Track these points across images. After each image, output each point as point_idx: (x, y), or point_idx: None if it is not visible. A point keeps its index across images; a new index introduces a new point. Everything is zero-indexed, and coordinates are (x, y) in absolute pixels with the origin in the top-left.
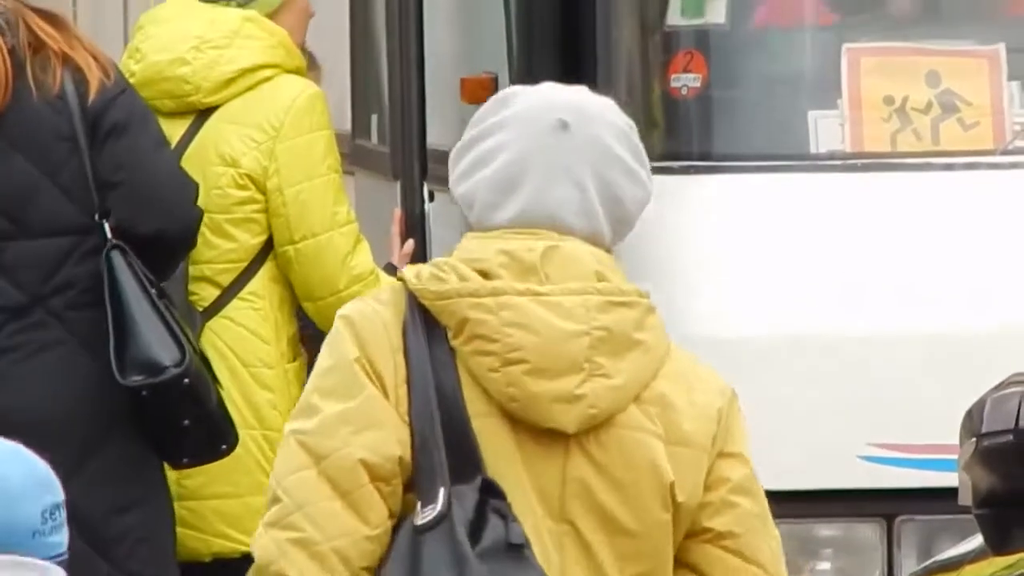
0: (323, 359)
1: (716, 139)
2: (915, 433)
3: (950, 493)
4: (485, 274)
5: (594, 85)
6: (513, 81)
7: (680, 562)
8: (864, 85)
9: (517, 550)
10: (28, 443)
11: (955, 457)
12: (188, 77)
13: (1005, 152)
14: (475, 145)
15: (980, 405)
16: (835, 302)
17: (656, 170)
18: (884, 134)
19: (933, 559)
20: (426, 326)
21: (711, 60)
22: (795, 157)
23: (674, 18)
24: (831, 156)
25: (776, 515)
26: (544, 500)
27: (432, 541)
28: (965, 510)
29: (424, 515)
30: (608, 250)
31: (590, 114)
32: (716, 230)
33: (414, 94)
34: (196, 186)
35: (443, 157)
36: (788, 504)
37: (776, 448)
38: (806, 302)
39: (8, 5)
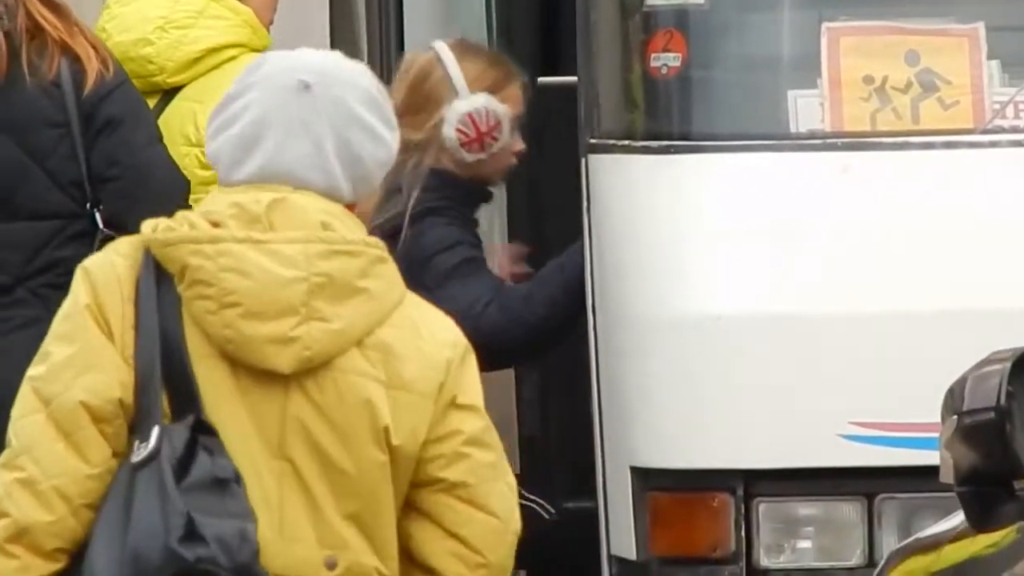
0: (61, 308)
1: (696, 118)
2: (896, 412)
3: (931, 472)
4: (217, 224)
5: (574, 64)
6: None
7: (415, 509)
8: (844, 64)
9: (223, 484)
10: (3, 416)
11: (936, 436)
12: (152, 57)
13: (985, 131)
14: (226, 106)
15: (961, 383)
16: (815, 281)
17: (637, 149)
18: (864, 113)
19: (914, 537)
20: (157, 275)
21: (691, 39)
22: (775, 136)
23: None
24: (811, 135)
25: (758, 494)
26: (264, 438)
27: (144, 477)
28: (946, 488)
29: (139, 453)
30: (350, 206)
31: (334, 76)
32: (696, 209)
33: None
34: (187, 182)
35: None
36: (769, 483)
37: (757, 427)
38: (786, 281)
39: None
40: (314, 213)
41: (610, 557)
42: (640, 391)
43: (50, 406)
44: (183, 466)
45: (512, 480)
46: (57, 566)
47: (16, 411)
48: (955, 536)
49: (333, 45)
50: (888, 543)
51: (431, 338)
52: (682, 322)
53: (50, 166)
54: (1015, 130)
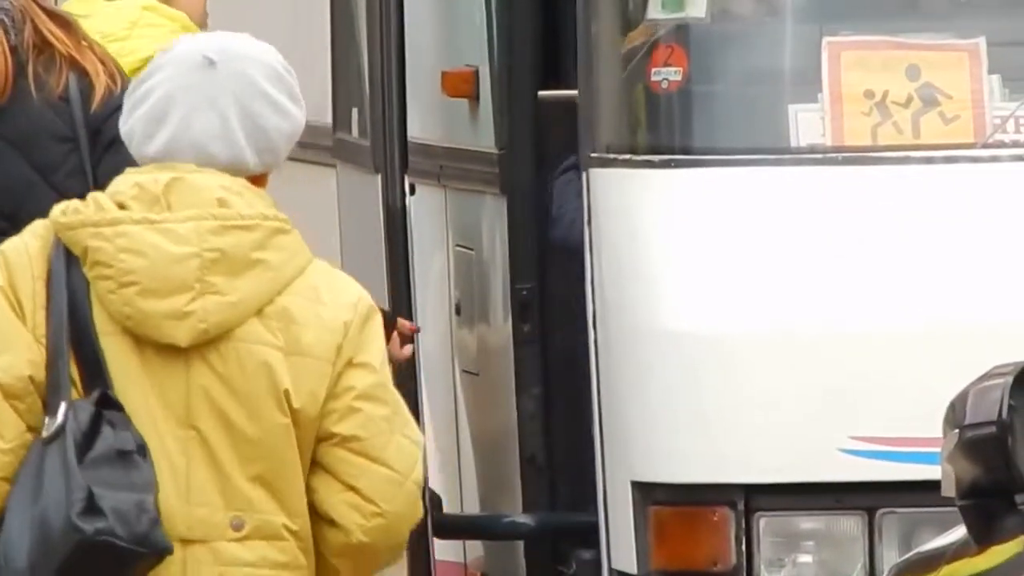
0: None
1: (697, 133)
2: (896, 426)
3: (931, 486)
4: (122, 205)
5: (574, 78)
6: (494, 74)
7: (315, 464)
8: (844, 79)
9: (126, 456)
10: None
11: (936, 450)
12: None
13: (985, 146)
14: (138, 87)
15: (963, 397)
16: (816, 296)
17: (638, 164)
18: (865, 128)
19: (915, 551)
20: (67, 256)
21: (692, 54)
22: (776, 151)
23: (654, 12)
24: (812, 150)
25: (758, 508)
26: (169, 409)
27: (52, 452)
28: (948, 502)
29: (48, 428)
30: (257, 178)
31: (238, 53)
32: (697, 224)
33: (395, 87)
34: None
35: (424, 150)
36: (770, 497)
37: (757, 442)
38: (787, 296)
39: (16, 3)
40: (210, 191)
41: (611, 571)
42: (641, 406)
43: None
44: (88, 440)
45: (414, 433)
46: None
47: None
48: (956, 550)
49: (334, 60)
50: (889, 557)
51: (332, 303)
52: (683, 337)
53: (57, 181)
54: (1016, 144)
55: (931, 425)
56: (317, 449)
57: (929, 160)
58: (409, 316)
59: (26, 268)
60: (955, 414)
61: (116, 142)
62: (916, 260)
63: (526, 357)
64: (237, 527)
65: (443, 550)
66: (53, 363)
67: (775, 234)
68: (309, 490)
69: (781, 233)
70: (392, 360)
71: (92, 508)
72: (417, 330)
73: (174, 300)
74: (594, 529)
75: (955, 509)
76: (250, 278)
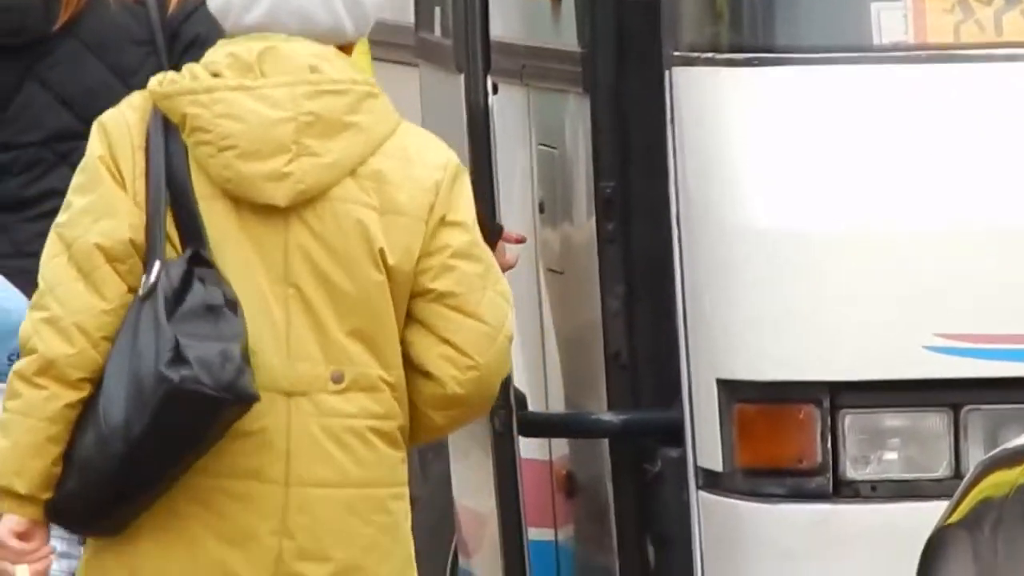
0: (82, 160)
1: (779, 31)
2: (981, 323)
3: (1017, 382)
4: (216, 74)
5: None
6: None
7: (412, 318)
8: None
9: (215, 310)
10: None
11: (1021, 347)
12: None
13: None
14: None
15: None
16: (900, 194)
17: (720, 62)
18: (947, 25)
19: (1001, 447)
20: (165, 125)
21: None
22: (858, 49)
23: None
24: (894, 47)
25: (843, 405)
26: (268, 268)
27: (144, 309)
28: None
29: (143, 287)
30: (346, 47)
31: None
32: (779, 123)
33: None
34: None
35: (506, 49)
36: (854, 395)
37: (842, 340)
38: (871, 194)
39: None
40: (302, 58)
41: (696, 469)
42: (725, 304)
43: (71, 249)
44: (178, 296)
45: (504, 289)
46: (82, 394)
47: (44, 255)
48: None
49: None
50: (974, 454)
51: (422, 163)
52: (767, 235)
53: (135, 84)
54: None
55: (1017, 322)
56: (414, 304)
57: (1012, 58)
58: (493, 216)
59: (125, 137)
60: None
61: (193, 44)
62: (1000, 158)
63: (610, 256)
64: (337, 380)
65: (528, 448)
66: (151, 226)
67: (857, 133)
68: (405, 344)
69: (864, 132)
70: (500, 266)
71: (178, 358)
72: (523, 240)
73: (272, 162)
74: (679, 427)
75: None
76: (344, 140)
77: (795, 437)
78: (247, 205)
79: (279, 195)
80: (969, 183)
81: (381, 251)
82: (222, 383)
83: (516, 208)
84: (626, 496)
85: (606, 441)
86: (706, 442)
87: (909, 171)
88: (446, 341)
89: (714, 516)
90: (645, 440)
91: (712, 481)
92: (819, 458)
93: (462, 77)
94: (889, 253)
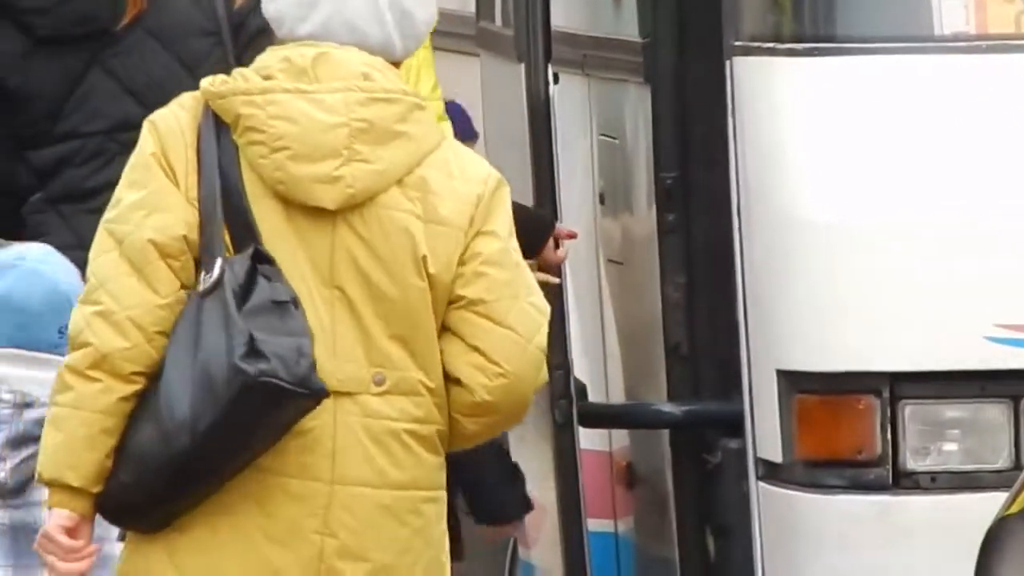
0: (130, 159)
1: (840, 21)
2: None
3: None
4: (268, 77)
5: None
6: None
7: (443, 326)
8: None
9: (282, 306)
10: None
11: None
12: None
13: None
14: None
15: None
16: (960, 185)
17: (781, 52)
18: (1008, 15)
19: None
20: (216, 125)
21: None
22: (919, 39)
23: None
24: (955, 38)
25: (903, 396)
26: (316, 269)
27: (209, 304)
28: None
29: (204, 283)
30: (397, 62)
31: None
32: (840, 113)
33: None
34: None
35: (568, 39)
36: (915, 385)
37: (903, 331)
38: (931, 185)
39: None
40: (355, 65)
41: (756, 460)
42: (785, 295)
43: (123, 245)
44: (244, 292)
45: (539, 301)
46: (135, 387)
47: (93, 251)
48: None
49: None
50: None
51: (463, 176)
52: (827, 227)
53: (201, 74)
54: None
55: None
56: (448, 312)
57: None
58: (553, 206)
59: (177, 136)
60: None
61: (259, 35)
62: None
63: (670, 246)
64: (379, 382)
65: (588, 439)
66: (207, 223)
67: (918, 123)
68: (440, 353)
69: (924, 122)
70: (547, 263)
71: (254, 351)
72: (575, 235)
73: (324, 165)
74: (739, 418)
75: None
76: (394, 148)
77: (855, 428)
78: (296, 206)
79: (329, 198)
80: None
81: (424, 259)
82: (298, 377)
83: (576, 199)
84: (686, 487)
85: (666, 432)
86: (766, 433)
87: (970, 162)
88: (475, 349)
89: (774, 507)
90: (705, 431)
91: (772, 472)
92: (879, 449)
93: (523, 67)
94: (948, 244)
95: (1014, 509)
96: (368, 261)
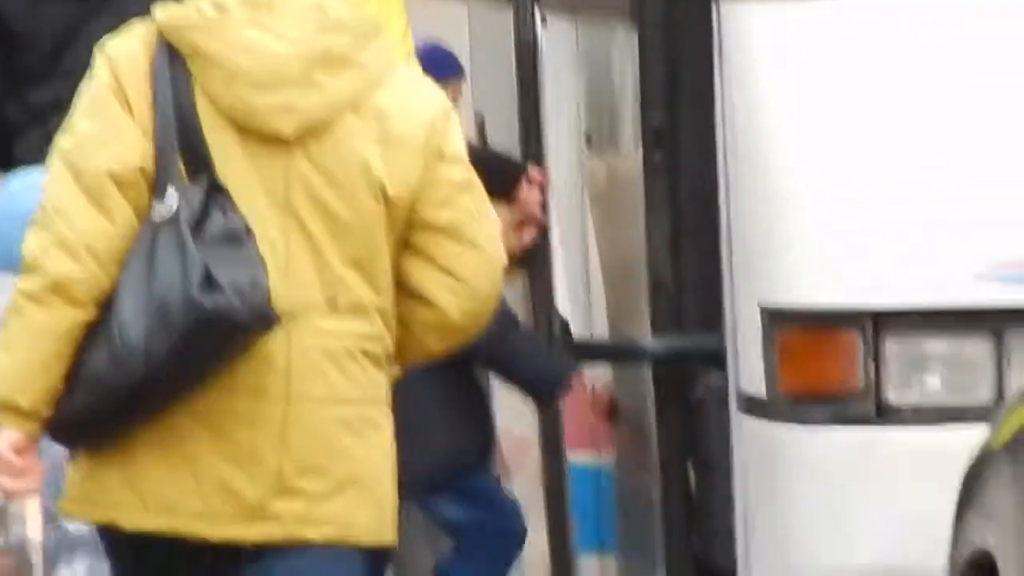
0: (86, 88)
1: None
2: None
3: None
4: (222, 8)
5: None
6: None
7: (413, 249)
8: None
9: (236, 237)
10: None
11: None
12: None
13: None
14: None
15: None
16: (947, 125)
17: None
18: None
19: None
20: (170, 55)
21: None
22: None
23: None
24: None
25: (887, 331)
26: (271, 195)
27: (164, 234)
28: None
29: (159, 213)
30: None
31: None
32: (827, 55)
33: None
34: None
35: None
36: (899, 321)
37: (887, 266)
38: (918, 125)
39: None
40: None
41: (739, 395)
42: (770, 232)
43: (79, 174)
44: (198, 222)
45: (491, 211)
46: (89, 314)
47: (48, 179)
48: None
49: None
50: (1017, 380)
51: (417, 100)
52: (812, 167)
53: None
54: None
55: None
56: (415, 236)
57: None
58: (539, 146)
59: (131, 66)
60: None
61: None
62: None
63: (656, 186)
64: (332, 304)
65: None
66: (162, 153)
67: (905, 66)
68: (406, 274)
69: (911, 65)
70: (523, 206)
71: (210, 283)
72: (548, 180)
73: (280, 94)
74: (722, 353)
75: None
76: (348, 76)
77: (838, 362)
78: (252, 135)
79: (285, 126)
80: (1017, 113)
81: (381, 182)
82: (253, 308)
83: (563, 139)
84: (668, 421)
85: (649, 367)
86: (749, 368)
87: (958, 103)
88: (447, 271)
89: (756, 441)
90: (688, 366)
91: (754, 406)
92: (862, 383)
93: (511, 9)
94: (933, 181)
95: (996, 443)
96: (323, 187)
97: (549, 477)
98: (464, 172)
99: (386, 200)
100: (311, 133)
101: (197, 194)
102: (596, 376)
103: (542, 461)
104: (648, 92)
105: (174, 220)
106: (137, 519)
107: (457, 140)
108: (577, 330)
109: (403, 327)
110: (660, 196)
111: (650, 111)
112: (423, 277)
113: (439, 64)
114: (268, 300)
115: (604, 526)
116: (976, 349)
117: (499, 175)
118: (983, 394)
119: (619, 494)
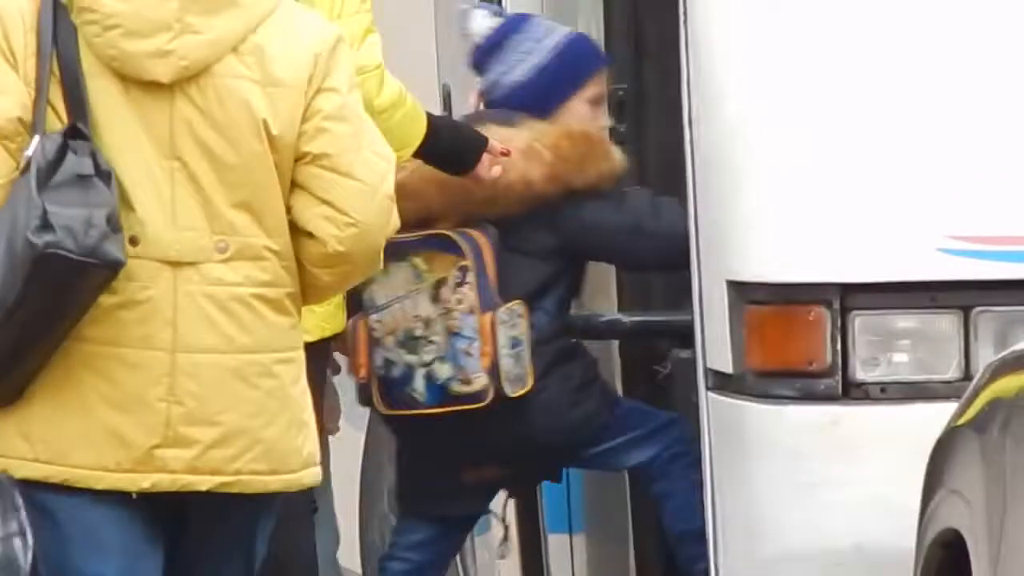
0: None
1: None
2: (994, 225)
3: None
4: None
5: None
6: None
7: (293, 183)
8: None
9: (86, 179)
10: None
11: None
12: None
13: None
14: None
15: None
16: (915, 94)
17: None
18: None
19: (1010, 350)
20: (55, 7)
21: None
22: None
23: None
24: None
25: (853, 307)
26: (155, 142)
27: (20, 182)
28: None
29: (23, 161)
30: None
31: None
32: (793, 20)
33: None
34: None
35: None
36: (866, 296)
37: (854, 240)
38: (885, 94)
39: None
40: None
41: (707, 370)
42: (736, 205)
43: None
44: (52, 168)
45: (383, 149)
46: None
47: None
48: None
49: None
50: (984, 356)
51: (300, 37)
52: (779, 131)
53: None
54: None
55: None
56: (296, 169)
57: None
58: None
59: (17, 20)
60: None
61: None
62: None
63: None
64: (222, 250)
65: None
66: (37, 103)
67: (874, 30)
68: (290, 208)
69: (880, 29)
70: (480, 179)
71: (45, 225)
72: (508, 153)
73: (155, 40)
74: (689, 328)
75: None
76: (225, 17)
77: (805, 339)
78: (133, 82)
79: (162, 72)
80: (989, 82)
81: (264, 123)
82: (86, 248)
83: None
84: (636, 397)
85: (617, 342)
86: (716, 344)
87: (923, 69)
88: (324, 201)
89: (723, 417)
90: (655, 341)
91: (722, 382)
92: (829, 360)
93: None
94: (902, 155)
95: (964, 420)
96: (207, 131)
97: None
98: (339, 100)
99: (271, 140)
100: (190, 78)
101: (55, 140)
102: None
103: None
104: (614, 60)
105: (29, 168)
106: (29, 468)
107: (341, 72)
108: None
109: (299, 265)
110: (627, 168)
111: (616, 80)
112: (303, 208)
113: (580, 57)
114: (105, 240)
115: (573, 506)
116: (944, 325)
117: (459, 148)
118: (951, 370)
119: (588, 473)
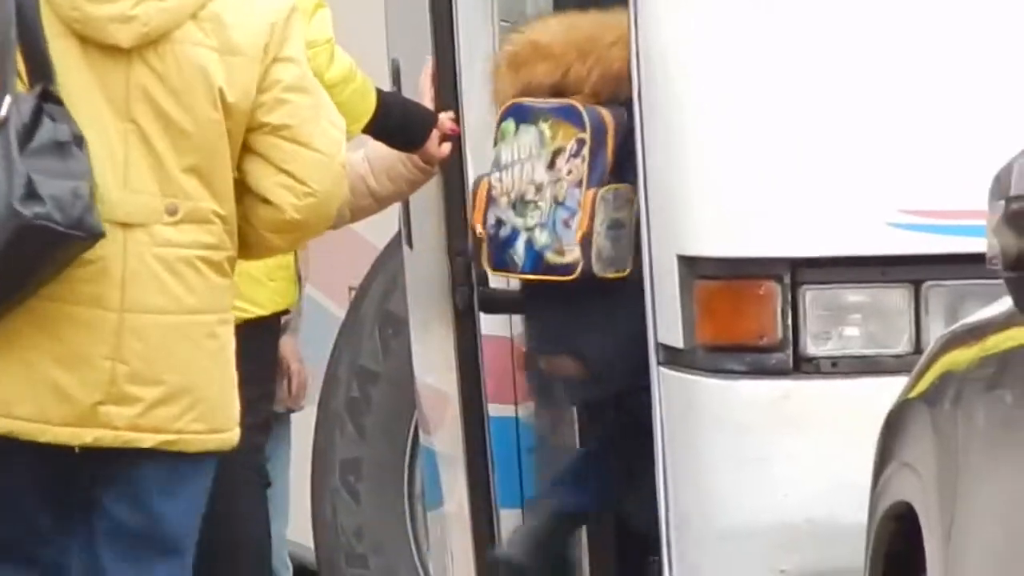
0: None
1: None
2: (944, 199)
3: (978, 258)
4: None
5: None
6: None
7: (251, 151)
8: None
9: (64, 146)
10: None
11: (982, 222)
12: None
13: None
14: None
15: (1008, 169)
16: (866, 69)
17: None
18: None
19: (961, 323)
20: None
21: None
22: None
23: None
24: None
25: (805, 281)
26: (111, 104)
27: None
28: (994, 274)
29: None
30: None
31: None
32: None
33: None
34: None
35: None
36: (816, 271)
37: (804, 215)
38: (836, 68)
39: None
40: None
41: (657, 345)
42: (686, 180)
43: None
44: (28, 131)
45: (337, 119)
46: None
47: None
48: (1002, 321)
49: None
50: (935, 330)
51: (257, 6)
52: (726, 109)
53: None
54: None
55: (979, 198)
56: (251, 138)
57: None
58: (454, 92)
59: None
60: (1000, 186)
61: None
62: (971, 33)
63: None
64: (172, 212)
65: (490, 325)
66: (2, 63)
67: (825, 5)
68: (244, 174)
69: (830, 10)
70: (429, 156)
71: (32, 194)
72: (457, 132)
73: (118, 4)
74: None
75: (1001, 281)
76: None
77: (755, 313)
78: (93, 45)
79: (123, 36)
80: (937, 56)
81: (220, 90)
82: (72, 220)
83: (479, 85)
84: None
85: None
86: (667, 318)
87: (873, 43)
88: (284, 171)
89: (674, 392)
90: None
91: (673, 357)
92: (780, 334)
93: None
94: (852, 129)
95: (915, 393)
96: (163, 95)
97: (469, 430)
98: (298, 71)
99: (225, 108)
100: (150, 43)
101: (29, 102)
102: (515, 328)
103: (462, 414)
104: None
105: (4, 129)
106: None
107: (297, 41)
108: (495, 280)
109: (247, 225)
110: None
111: None
112: (262, 177)
113: None
114: (90, 211)
115: (525, 481)
116: (895, 299)
117: (409, 125)
118: (902, 344)
119: (538, 446)
